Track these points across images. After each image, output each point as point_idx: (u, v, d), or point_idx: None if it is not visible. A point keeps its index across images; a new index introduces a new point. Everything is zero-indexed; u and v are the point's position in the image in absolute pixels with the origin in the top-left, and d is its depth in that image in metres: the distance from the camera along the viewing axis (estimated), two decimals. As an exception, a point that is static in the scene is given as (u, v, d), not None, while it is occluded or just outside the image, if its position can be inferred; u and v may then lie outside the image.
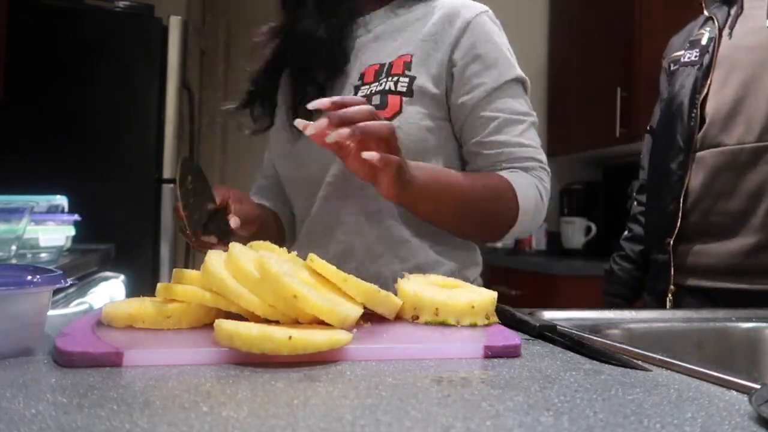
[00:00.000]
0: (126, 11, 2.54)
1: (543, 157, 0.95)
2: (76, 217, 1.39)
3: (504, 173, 0.91)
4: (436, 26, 0.94)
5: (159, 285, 0.61)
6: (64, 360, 0.47)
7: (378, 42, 0.98)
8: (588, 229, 2.72)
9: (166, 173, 2.41)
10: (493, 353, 0.54)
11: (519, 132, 0.92)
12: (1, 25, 2.26)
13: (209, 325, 0.52)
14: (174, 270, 0.63)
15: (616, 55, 2.52)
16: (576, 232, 2.72)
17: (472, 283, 1.03)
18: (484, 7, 0.96)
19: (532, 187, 0.91)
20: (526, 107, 0.95)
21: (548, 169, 0.95)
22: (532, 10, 2.98)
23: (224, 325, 0.49)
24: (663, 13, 2.45)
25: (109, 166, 2.45)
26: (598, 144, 2.62)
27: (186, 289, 0.59)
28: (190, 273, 0.62)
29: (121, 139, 2.48)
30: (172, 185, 2.41)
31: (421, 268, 0.91)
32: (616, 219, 2.68)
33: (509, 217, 0.90)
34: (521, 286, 2.49)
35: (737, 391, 0.46)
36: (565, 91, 2.86)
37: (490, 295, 0.65)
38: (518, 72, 0.95)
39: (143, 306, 0.58)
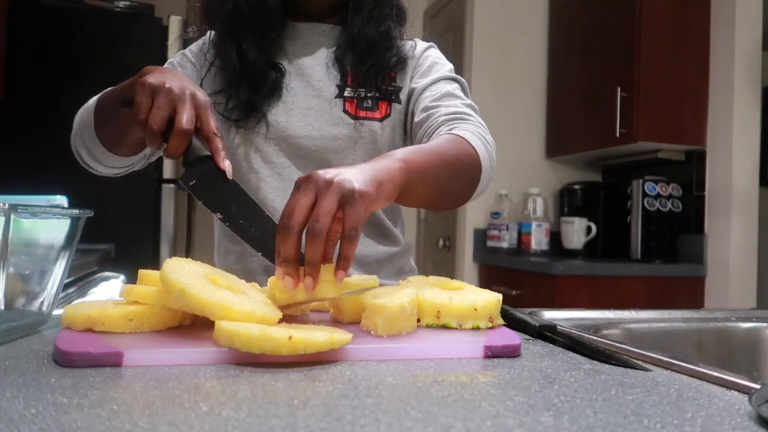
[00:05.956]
0: (126, 11, 2.54)
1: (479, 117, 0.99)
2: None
3: (444, 132, 0.90)
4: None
5: (123, 287, 0.58)
6: (64, 360, 0.47)
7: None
8: (588, 229, 2.72)
9: (166, 173, 2.41)
10: (493, 353, 0.54)
11: (459, 103, 0.99)
12: (1, 25, 2.26)
13: (208, 326, 0.52)
14: (139, 271, 0.60)
15: (616, 55, 2.52)
16: (576, 232, 2.71)
17: (408, 273, 1.08)
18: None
19: (475, 133, 0.90)
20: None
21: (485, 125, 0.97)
22: (532, 10, 2.98)
23: (224, 325, 0.49)
24: (663, 13, 2.44)
25: (109, 166, 2.45)
26: (598, 144, 2.62)
27: (149, 291, 0.56)
28: (156, 274, 0.59)
29: (121, 139, 2.48)
30: (172, 185, 2.41)
31: (369, 266, 1.00)
32: (616, 219, 2.69)
33: (475, 168, 0.87)
34: (521, 286, 2.49)
35: (737, 391, 0.46)
36: (565, 91, 2.85)
37: (494, 298, 0.63)
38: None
39: (104, 308, 0.55)
